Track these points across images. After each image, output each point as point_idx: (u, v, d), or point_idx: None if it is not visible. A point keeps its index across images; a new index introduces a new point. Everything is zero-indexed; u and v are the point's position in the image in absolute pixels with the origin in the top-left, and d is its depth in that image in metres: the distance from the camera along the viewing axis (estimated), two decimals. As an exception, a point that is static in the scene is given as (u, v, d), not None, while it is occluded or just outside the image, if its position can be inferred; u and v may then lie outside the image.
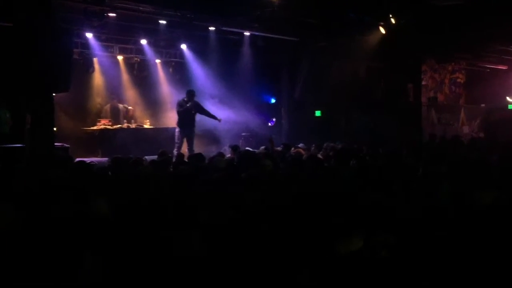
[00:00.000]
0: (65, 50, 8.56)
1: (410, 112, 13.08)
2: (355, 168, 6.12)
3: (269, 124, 14.59)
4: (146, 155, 8.85)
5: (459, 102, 17.99)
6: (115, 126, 12.28)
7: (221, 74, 13.28)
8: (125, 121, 12.67)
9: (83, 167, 6.26)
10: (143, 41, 12.52)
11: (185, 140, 10.73)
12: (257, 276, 2.66)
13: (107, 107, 12.92)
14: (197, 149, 10.64)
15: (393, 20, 11.26)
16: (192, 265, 2.70)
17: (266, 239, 2.93)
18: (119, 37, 12.36)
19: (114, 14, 10.03)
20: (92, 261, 2.63)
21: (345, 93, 13.09)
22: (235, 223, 3.15)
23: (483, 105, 17.47)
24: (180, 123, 10.78)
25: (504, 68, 17.49)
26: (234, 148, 8.54)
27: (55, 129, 9.30)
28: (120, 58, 12.99)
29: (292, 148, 8.91)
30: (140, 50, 12.85)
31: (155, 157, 8.02)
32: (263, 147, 8.85)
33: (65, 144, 9.97)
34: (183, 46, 13.22)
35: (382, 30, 11.71)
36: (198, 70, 13.38)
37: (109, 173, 6.04)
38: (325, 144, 9.38)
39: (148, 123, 13.14)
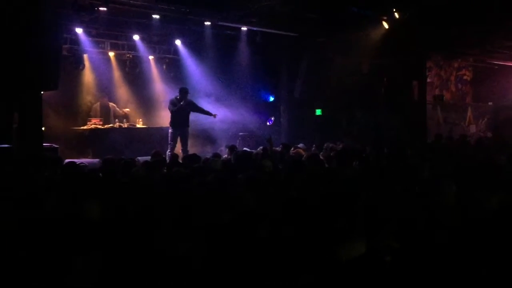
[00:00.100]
0: (53, 46, 8.55)
1: (414, 111, 13.09)
2: (357, 169, 6.14)
3: (268, 123, 14.59)
4: (139, 156, 8.88)
5: (465, 100, 18.03)
6: (106, 126, 12.27)
7: (217, 71, 13.29)
8: (116, 120, 12.66)
9: (73, 168, 6.27)
10: (136, 37, 12.50)
11: (178, 140, 10.73)
12: (253, 281, 2.67)
13: (97, 105, 12.90)
14: (192, 150, 10.66)
15: (396, 15, 11.28)
16: (185, 268, 2.72)
17: (263, 243, 2.95)
18: (110, 32, 12.33)
19: (105, 8, 9.99)
20: (83, 263, 2.65)
21: (346, 91, 13.10)
22: (231, 226, 3.17)
23: (490, 103, 17.54)
24: (173, 122, 10.77)
25: (512, 64, 17.55)
26: (231, 149, 8.56)
27: (43, 128, 9.32)
28: (111, 54, 12.97)
29: (292, 149, 8.93)
30: (132, 46, 12.83)
31: (148, 158, 8.03)
32: (261, 147, 8.86)
33: (54, 145, 9.96)
34: (178, 42, 13.21)
35: (385, 25, 11.73)
36: (193, 67, 13.37)
37: (100, 175, 6.04)
38: (325, 145, 9.42)
39: (141, 123, 13.12)
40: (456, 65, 17.64)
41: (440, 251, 2.85)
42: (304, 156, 7.67)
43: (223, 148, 10.90)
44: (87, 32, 11.65)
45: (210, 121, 11.87)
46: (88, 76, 12.80)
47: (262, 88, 14.76)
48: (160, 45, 13.28)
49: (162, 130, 11.91)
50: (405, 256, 2.82)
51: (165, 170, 6.60)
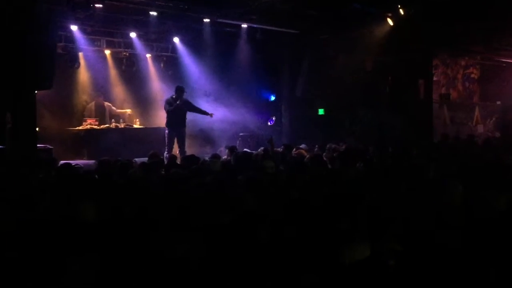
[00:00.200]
0: (48, 44, 8.56)
1: (420, 110, 13.08)
2: (361, 171, 6.15)
3: (269, 123, 14.61)
4: (136, 157, 8.87)
5: (473, 99, 18.02)
6: (102, 126, 12.28)
7: (216, 69, 13.28)
8: (113, 120, 12.66)
9: (68, 170, 6.28)
10: (132, 34, 12.51)
11: (175, 141, 10.72)
12: (253, 283, 2.68)
13: (91, 105, 12.88)
14: (190, 151, 10.65)
15: (401, 11, 11.29)
16: (183, 270, 2.73)
17: (264, 244, 2.96)
18: (106, 29, 12.33)
19: (101, 5, 10.02)
20: (79, 265, 2.66)
21: (350, 90, 13.09)
22: (231, 227, 3.18)
23: (499, 102, 17.53)
24: (169, 122, 10.73)
25: (521, 62, 17.55)
26: (231, 149, 8.56)
27: (37, 129, 9.33)
28: (107, 52, 12.98)
29: (294, 149, 8.94)
30: (129, 43, 12.84)
31: (145, 159, 8.04)
32: (262, 148, 8.87)
33: (48, 146, 9.98)
34: (176, 40, 13.22)
35: (390, 22, 11.75)
36: (191, 66, 13.38)
37: (96, 176, 6.05)
38: (328, 145, 9.42)
39: (138, 123, 13.12)
40: (463, 63, 17.63)
41: (446, 253, 2.86)
42: (307, 157, 7.68)
43: (222, 148, 10.90)
44: (82, 30, 11.65)
45: (208, 121, 11.85)
46: (83, 75, 12.80)
47: (263, 87, 14.75)
48: (158, 42, 13.28)
49: (159, 130, 11.90)
50: (408, 259, 2.82)
51: (163, 172, 6.62)
